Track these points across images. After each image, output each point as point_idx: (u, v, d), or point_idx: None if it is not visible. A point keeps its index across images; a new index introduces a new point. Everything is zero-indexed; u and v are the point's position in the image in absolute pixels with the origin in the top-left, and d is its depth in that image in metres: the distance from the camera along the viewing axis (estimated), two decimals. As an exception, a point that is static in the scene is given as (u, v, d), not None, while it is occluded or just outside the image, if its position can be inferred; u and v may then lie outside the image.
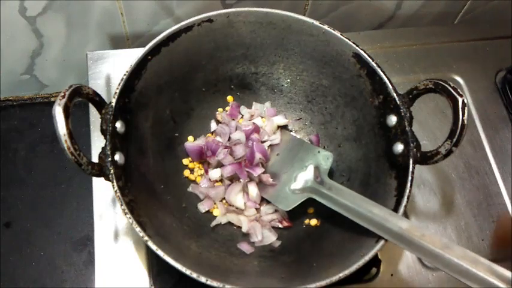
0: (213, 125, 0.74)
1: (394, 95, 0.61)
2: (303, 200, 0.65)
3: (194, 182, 0.71)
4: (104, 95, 0.59)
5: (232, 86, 0.75)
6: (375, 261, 0.69)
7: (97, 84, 0.77)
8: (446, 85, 0.55)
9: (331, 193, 0.62)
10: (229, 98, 0.75)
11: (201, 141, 0.71)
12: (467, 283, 0.49)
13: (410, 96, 0.60)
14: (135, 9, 0.82)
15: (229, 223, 0.68)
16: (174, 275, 0.65)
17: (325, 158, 0.68)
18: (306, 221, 0.68)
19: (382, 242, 0.55)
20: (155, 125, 0.68)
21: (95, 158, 0.58)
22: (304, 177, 0.67)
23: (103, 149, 0.56)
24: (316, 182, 0.65)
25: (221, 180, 0.70)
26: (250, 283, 0.58)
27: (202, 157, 0.71)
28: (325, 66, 0.70)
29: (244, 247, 0.65)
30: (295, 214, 0.69)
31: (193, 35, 0.66)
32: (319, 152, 0.69)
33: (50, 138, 0.95)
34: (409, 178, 0.58)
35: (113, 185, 0.54)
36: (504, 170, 0.78)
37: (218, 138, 0.72)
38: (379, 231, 0.55)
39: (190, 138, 0.72)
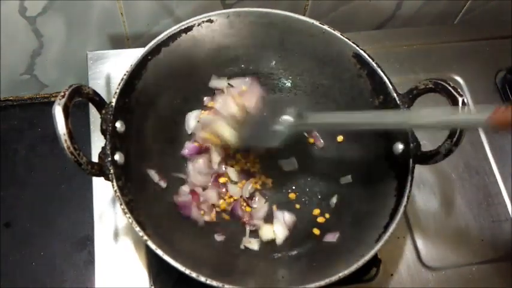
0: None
1: (394, 94, 0.61)
2: (289, 134, 0.64)
3: None
4: (104, 95, 0.59)
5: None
6: (375, 261, 0.68)
7: (97, 84, 0.77)
8: (446, 85, 0.56)
9: (313, 121, 0.64)
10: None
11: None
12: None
13: (410, 96, 0.60)
14: (135, 9, 0.82)
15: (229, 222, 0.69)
16: (174, 275, 0.65)
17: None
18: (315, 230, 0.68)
19: (381, 242, 0.55)
20: (155, 125, 0.68)
21: (94, 158, 0.58)
22: (287, 118, 0.65)
23: (103, 148, 0.56)
24: (298, 119, 0.64)
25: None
26: (250, 283, 0.58)
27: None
28: (325, 67, 0.69)
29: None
30: (298, 215, 0.69)
31: (194, 35, 0.66)
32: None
33: (50, 138, 0.95)
34: (409, 178, 0.58)
35: (113, 185, 0.54)
36: (504, 170, 0.78)
37: None
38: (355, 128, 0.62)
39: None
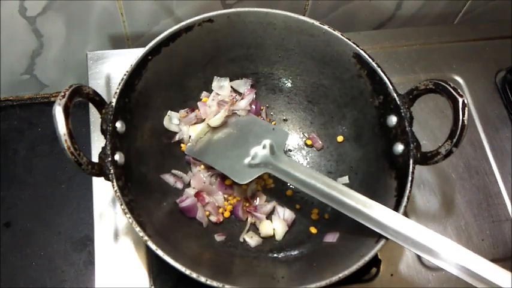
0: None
1: (395, 95, 0.61)
2: (259, 174, 0.65)
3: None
4: (104, 95, 0.59)
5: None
6: (375, 261, 0.69)
7: (97, 84, 0.77)
8: (446, 85, 0.55)
9: (286, 167, 0.63)
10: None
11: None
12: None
13: (411, 96, 0.60)
14: (135, 9, 0.82)
15: (229, 223, 0.69)
16: (174, 275, 0.65)
17: (280, 135, 0.70)
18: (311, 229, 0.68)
19: (382, 242, 0.55)
20: (155, 125, 0.68)
21: (95, 158, 0.58)
22: (260, 152, 0.67)
23: (103, 148, 0.56)
24: (272, 157, 0.66)
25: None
26: (250, 283, 0.58)
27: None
28: (325, 67, 0.69)
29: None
30: (298, 215, 0.69)
31: (194, 35, 0.66)
32: (273, 129, 0.70)
33: (50, 138, 0.95)
34: (409, 178, 0.58)
35: (113, 185, 0.54)
36: (504, 170, 0.78)
37: None
38: (332, 203, 0.59)
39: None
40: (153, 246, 0.52)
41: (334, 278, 0.52)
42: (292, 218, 0.69)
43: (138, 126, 0.64)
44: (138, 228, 0.53)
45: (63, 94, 0.50)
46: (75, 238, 0.88)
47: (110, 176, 0.55)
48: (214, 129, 0.71)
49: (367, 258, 0.54)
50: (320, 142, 0.74)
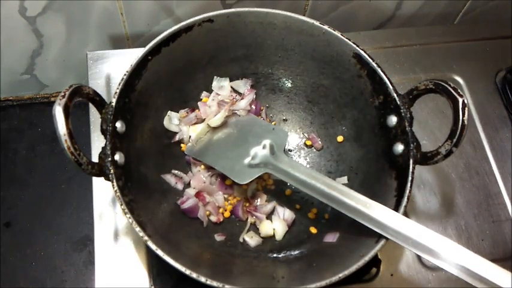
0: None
1: (395, 95, 0.61)
2: (259, 174, 0.65)
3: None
4: (104, 95, 0.59)
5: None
6: (375, 261, 0.68)
7: (97, 84, 0.77)
8: (446, 85, 0.55)
9: (286, 168, 0.63)
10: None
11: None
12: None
13: (411, 96, 0.60)
14: (135, 9, 0.82)
15: (229, 222, 0.69)
16: (174, 275, 0.65)
17: (280, 135, 0.70)
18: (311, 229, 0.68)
19: (382, 242, 0.55)
20: (155, 125, 0.68)
21: (95, 158, 0.58)
22: (260, 152, 0.67)
23: (103, 148, 0.56)
24: (272, 157, 0.66)
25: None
26: (250, 283, 0.58)
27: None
28: (325, 67, 0.69)
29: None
30: (298, 215, 0.69)
31: (194, 35, 0.66)
32: (273, 129, 0.71)
33: (50, 138, 0.95)
34: (409, 178, 0.58)
35: (113, 185, 0.54)
36: (504, 170, 0.78)
37: None
38: (332, 203, 0.59)
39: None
40: (153, 246, 0.52)
41: (334, 278, 0.52)
42: (292, 218, 0.69)
43: (138, 126, 0.64)
44: (138, 228, 0.53)
45: (63, 94, 0.50)
46: (75, 238, 0.88)
47: (110, 176, 0.55)
48: (214, 129, 0.71)
49: (367, 258, 0.54)
50: (320, 142, 0.74)
